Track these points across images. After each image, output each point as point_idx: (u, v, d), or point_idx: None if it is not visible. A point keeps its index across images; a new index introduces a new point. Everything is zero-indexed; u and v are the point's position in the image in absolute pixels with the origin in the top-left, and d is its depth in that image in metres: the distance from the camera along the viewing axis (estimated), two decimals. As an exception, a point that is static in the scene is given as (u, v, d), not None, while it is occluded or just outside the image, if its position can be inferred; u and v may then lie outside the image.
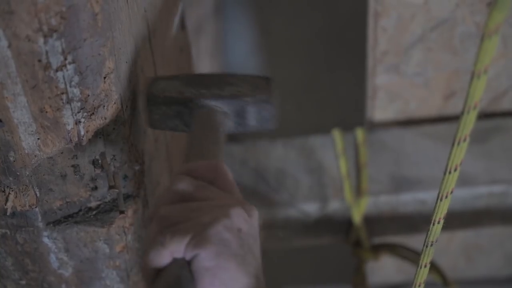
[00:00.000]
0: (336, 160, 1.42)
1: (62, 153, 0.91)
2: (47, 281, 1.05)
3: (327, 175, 1.42)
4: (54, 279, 1.05)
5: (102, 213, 1.00)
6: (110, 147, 0.95)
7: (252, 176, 1.42)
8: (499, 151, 1.42)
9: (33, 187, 0.93)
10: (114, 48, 0.88)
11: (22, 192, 0.93)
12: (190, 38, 1.33)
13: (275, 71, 2.61)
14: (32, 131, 0.87)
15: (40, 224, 0.97)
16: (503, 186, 1.39)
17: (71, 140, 0.90)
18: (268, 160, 1.44)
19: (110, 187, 0.96)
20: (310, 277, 2.20)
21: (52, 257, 1.01)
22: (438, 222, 0.86)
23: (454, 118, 1.48)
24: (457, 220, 1.42)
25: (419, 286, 0.94)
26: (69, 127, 0.89)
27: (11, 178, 0.91)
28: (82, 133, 0.90)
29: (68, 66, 0.82)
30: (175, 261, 0.79)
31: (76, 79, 0.84)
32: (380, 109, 1.46)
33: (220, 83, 0.97)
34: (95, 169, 0.95)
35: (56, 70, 0.82)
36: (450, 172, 0.80)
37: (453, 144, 0.77)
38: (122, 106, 0.93)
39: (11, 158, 0.89)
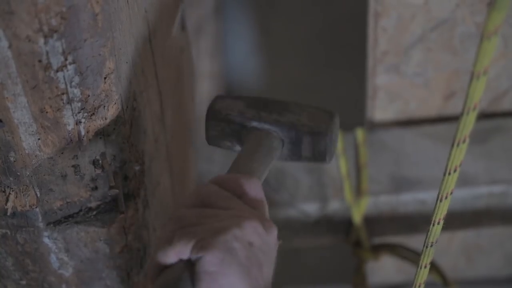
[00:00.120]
0: (336, 160, 1.42)
1: (62, 153, 0.91)
2: (47, 281, 1.05)
3: (327, 175, 1.42)
4: (54, 279, 1.05)
5: (103, 213, 1.00)
6: (111, 147, 0.95)
7: (252, 176, 1.41)
8: (499, 152, 1.42)
9: (33, 187, 0.93)
10: (114, 48, 0.88)
11: (22, 192, 0.93)
12: (190, 38, 1.33)
13: (275, 71, 2.61)
14: (32, 131, 0.87)
15: (41, 224, 0.97)
16: (503, 186, 1.39)
17: (71, 140, 0.90)
18: (268, 160, 1.44)
19: (111, 187, 0.96)
20: (310, 277, 2.20)
21: (53, 257, 1.01)
22: (438, 223, 0.86)
23: (454, 118, 1.48)
24: (457, 220, 1.42)
25: (419, 286, 0.94)
26: (69, 128, 0.89)
27: (11, 178, 0.91)
28: (83, 133, 0.90)
29: (69, 67, 0.82)
30: (180, 262, 0.80)
31: (76, 79, 0.84)
32: (380, 109, 1.46)
33: (281, 109, 0.99)
34: (96, 169, 0.95)
35: (57, 71, 0.82)
36: (449, 173, 0.80)
37: (452, 145, 0.77)
38: (122, 107, 0.93)
39: (12, 158, 0.89)
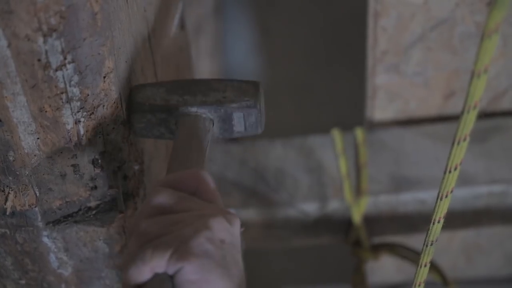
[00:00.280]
0: (335, 159, 1.42)
1: (61, 152, 0.91)
2: (46, 280, 1.05)
3: (327, 175, 1.42)
4: (53, 279, 1.05)
5: (102, 213, 1.00)
6: (110, 146, 0.95)
7: (252, 176, 1.42)
8: (499, 151, 1.42)
9: (32, 187, 0.93)
10: (113, 47, 0.88)
11: (21, 191, 0.93)
12: (189, 37, 1.33)
13: (275, 71, 2.61)
14: (31, 130, 0.87)
15: (40, 224, 0.97)
16: (503, 186, 1.39)
17: (70, 139, 0.90)
18: (268, 160, 1.44)
19: (110, 187, 0.96)
20: (310, 277, 2.21)
21: (52, 257, 1.01)
22: (438, 222, 0.86)
23: (454, 118, 1.48)
24: (457, 219, 1.42)
25: (419, 285, 0.94)
26: (68, 127, 0.88)
27: (10, 178, 0.91)
28: (82, 132, 0.90)
29: (68, 66, 0.82)
30: (156, 276, 0.77)
31: (75, 78, 0.84)
32: (380, 108, 1.46)
33: (205, 89, 0.96)
34: (95, 168, 0.95)
35: (56, 70, 0.82)
36: (450, 172, 0.80)
37: (453, 144, 0.77)
38: (121, 106, 0.93)
39: (11, 158, 0.89)
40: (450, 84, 1.42)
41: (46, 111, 0.85)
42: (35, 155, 0.90)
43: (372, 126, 1.48)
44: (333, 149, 1.43)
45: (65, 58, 0.82)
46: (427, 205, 1.40)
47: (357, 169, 1.40)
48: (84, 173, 0.95)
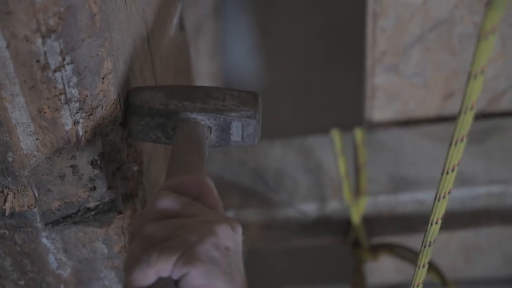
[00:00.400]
0: (335, 160, 1.42)
1: (60, 153, 0.91)
2: (45, 281, 1.05)
3: (326, 175, 1.42)
4: (52, 280, 1.05)
5: (101, 214, 1.00)
6: (109, 147, 0.95)
7: (251, 176, 1.42)
8: (498, 151, 1.42)
9: (31, 188, 0.93)
10: (112, 48, 0.88)
11: (20, 192, 0.93)
12: (189, 38, 1.33)
13: (275, 71, 2.61)
14: (30, 131, 0.87)
15: (39, 225, 0.97)
16: (501, 186, 1.39)
17: (69, 140, 0.90)
18: (267, 160, 1.44)
19: (109, 188, 0.96)
20: (309, 277, 2.21)
21: (51, 258, 1.02)
22: (436, 222, 0.86)
23: (453, 118, 1.48)
24: (456, 220, 1.42)
25: (418, 286, 0.94)
26: (67, 128, 0.89)
27: (9, 179, 0.91)
28: (81, 133, 0.90)
29: (66, 67, 0.82)
30: (160, 280, 0.76)
31: (74, 79, 0.84)
32: (379, 109, 1.46)
33: (204, 96, 0.96)
34: (94, 169, 0.95)
35: (54, 71, 0.82)
36: (447, 173, 0.80)
37: (450, 144, 0.77)
38: (120, 107, 0.93)
39: (10, 159, 0.89)
40: (449, 84, 1.42)
41: (45, 112, 0.85)
42: (34, 156, 0.90)
43: (371, 127, 1.48)
44: (332, 150, 1.44)
45: (63, 59, 0.82)
46: (426, 205, 1.40)
47: (356, 169, 1.40)
48: (83, 174, 0.95)
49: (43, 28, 0.78)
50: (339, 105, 2.42)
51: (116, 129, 0.94)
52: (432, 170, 1.39)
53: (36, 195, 0.94)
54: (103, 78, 0.88)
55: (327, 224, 1.42)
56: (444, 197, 0.82)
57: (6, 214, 0.93)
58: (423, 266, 0.91)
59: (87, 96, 0.87)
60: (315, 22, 2.61)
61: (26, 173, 0.91)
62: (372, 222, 1.42)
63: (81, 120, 0.89)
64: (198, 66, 2.03)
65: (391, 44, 1.35)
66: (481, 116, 1.46)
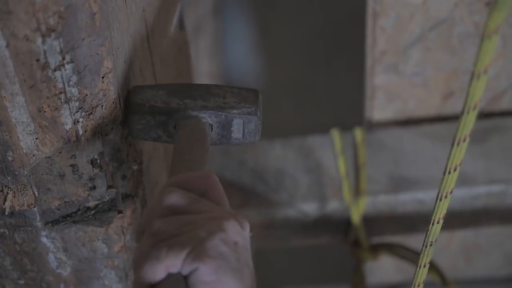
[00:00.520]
0: (335, 160, 1.42)
1: (60, 152, 0.91)
2: (45, 280, 1.05)
3: (326, 175, 1.42)
4: (52, 279, 1.05)
5: (101, 213, 0.99)
6: (109, 146, 0.95)
7: (251, 176, 1.42)
8: (498, 151, 1.42)
9: (31, 187, 0.93)
10: (112, 47, 0.88)
11: (20, 191, 0.93)
12: (188, 38, 1.33)
13: (274, 71, 2.61)
14: (30, 130, 0.87)
15: (39, 224, 0.97)
16: (501, 186, 1.39)
17: (69, 139, 0.90)
18: (267, 160, 1.44)
19: (109, 187, 0.96)
20: (309, 277, 2.21)
21: (51, 257, 1.01)
22: (438, 222, 0.86)
23: (453, 118, 1.48)
24: (456, 220, 1.42)
25: (418, 286, 0.94)
26: (67, 127, 0.88)
27: (9, 178, 0.91)
28: (80, 132, 0.90)
29: (66, 66, 0.82)
30: (169, 276, 0.77)
31: (74, 78, 0.84)
32: (379, 109, 1.46)
33: (206, 94, 0.96)
34: (94, 168, 0.95)
35: (54, 70, 0.82)
36: (449, 172, 0.80)
37: (452, 144, 0.77)
38: (120, 106, 0.93)
39: (10, 158, 0.89)
40: (449, 84, 1.42)
41: (44, 111, 0.85)
42: (33, 155, 0.90)
43: (371, 126, 1.48)
44: (332, 149, 1.43)
45: (63, 58, 0.82)
46: (426, 205, 1.40)
47: (356, 169, 1.40)
48: (83, 173, 0.95)
49: (43, 27, 0.78)
50: (339, 105, 2.42)
51: (116, 129, 0.94)
52: (432, 169, 1.39)
53: (36, 194, 0.94)
54: (103, 77, 0.88)
55: (327, 224, 1.42)
56: (446, 196, 0.82)
57: (6, 213, 0.93)
58: (424, 266, 0.91)
59: (87, 95, 0.87)
60: (315, 22, 2.61)
61: (26, 172, 0.91)
62: (372, 221, 1.42)
63: (81, 119, 0.89)
64: (198, 66, 2.03)
65: (391, 44, 1.35)
66: (481, 115, 1.46)
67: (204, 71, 2.19)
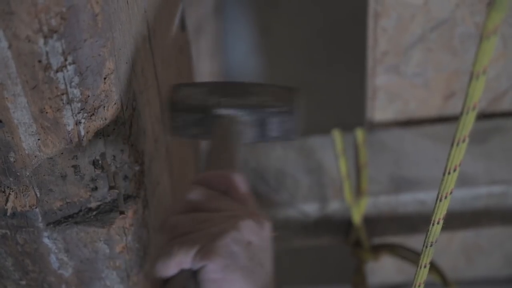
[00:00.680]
0: (336, 160, 1.42)
1: (62, 153, 0.91)
2: (47, 281, 1.05)
3: (327, 176, 1.42)
4: (54, 280, 1.05)
5: (102, 214, 1.00)
6: (110, 147, 0.95)
7: (252, 176, 1.42)
8: (499, 152, 1.42)
9: (33, 188, 0.93)
10: (114, 48, 0.88)
11: (22, 192, 0.93)
12: (190, 38, 1.34)
13: (275, 71, 2.61)
14: (32, 131, 0.87)
15: (40, 225, 0.97)
16: (502, 187, 1.39)
17: (71, 140, 0.90)
18: (268, 161, 1.44)
19: (110, 188, 0.96)
20: (310, 277, 2.21)
21: (52, 258, 1.02)
22: (438, 223, 0.86)
23: (454, 119, 1.48)
24: (457, 220, 1.42)
25: (419, 286, 0.94)
26: (69, 128, 0.89)
27: (11, 179, 0.91)
28: (82, 133, 0.90)
29: (68, 67, 0.82)
30: (182, 272, 0.79)
31: (76, 79, 0.84)
32: (380, 109, 1.46)
33: (243, 92, 0.97)
34: (95, 169, 0.95)
35: (56, 71, 0.82)
36: (449, 173, 0.80)
37: (452, 145, 0.77)
38: (122, 107, 0.93)
39: (12, 159, 0.89)
40: (450, 85, 1.42)
41: (46, 112, 0.85)
42: (35, 156, 0.90)
43: (372, 127, 1.48)
44: (333, 150, 1.44)
45: (65, 59, 0.82)
46: (427, 205, 1.40)
47: (357, 169, 1.40)
48: (85, 174, 0.95)
49: (45, 28, 0.78)
50: (340, 106, 2.42)
51: (118, 129, 0.94)
52: (433, 170, 1.39)
53: (38, 195, 0.94)
54: (105, 78, 0.88)
55: (328, 224, 1.42)
56: (446, 197, 0.82)
57: (8, 214, 0.93)
58: (425, 266, 0.91)
59: (89, 96, 0.87)
60: (316, 22, 2.61)
61: (28, 173, 0.91)
62: (373, 222, 1.42)
63: (83, 120, 0.89)
64: (199, 66, 2.03)
65: (392, 44, 1.35)
66: (482, 116, 1.46)
67: (205, 71, 2.19)
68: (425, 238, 0.88)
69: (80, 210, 0.99)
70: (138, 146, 0.99)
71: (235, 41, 2.63)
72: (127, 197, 1.01)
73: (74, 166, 0.94)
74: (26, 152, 0.89)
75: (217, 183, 0.86)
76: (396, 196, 1.39)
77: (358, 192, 1.38)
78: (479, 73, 0.71)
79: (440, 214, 0.85)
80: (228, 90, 0.97)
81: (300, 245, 1.46)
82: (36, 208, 0.95)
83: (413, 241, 1.43)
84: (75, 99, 0.86)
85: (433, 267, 1.37)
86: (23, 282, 1.05)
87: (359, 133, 1.44)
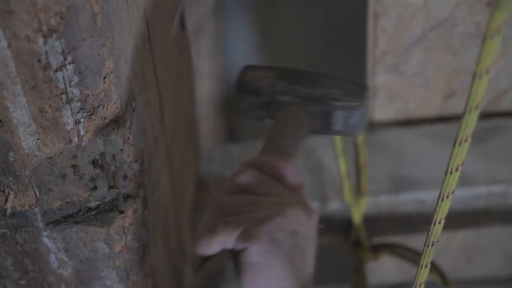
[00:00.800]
0: (335, 160, 1.42)
1: (61, 153, 0.91)
2: (46, 281, 1.05)
3: (327, 175, 1.42)
4: (53, 279, 1.05)
5: (102, 213, 1.00)
6: (110, 147, 0.95)
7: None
8: (499, 151, 1.42)
9: (32, 187, 0.93)
10: (113, 48, 0.88)
11: (21, 192, 0.93)
12: (190, 38, 1.33)
13: (275, 71, 2.61)
14: (31, 131, 0.87)
15: (40, 224, 0.97)
16: (502, 186, 1.39)
17: (70, 140, 0.90)
18: (268, 160, 1.44)
19: (110, 187, 0.96)
20: (309, 277, 2.20)
21: (52, 257, 1.01)
22: (439, 222, 0.86)
23: (454, 118, 1.48)
24: (457, 220, 1.42)
25: (420, 286, 0.94)
26: (68, 127, 0.88)
27: (10, 178, 0.91)
28: (82, 133, 0.90)
29: (68, 66, 0.82)
30: (224, 251, 0.79)
31: (75, 79, 0.84)
32: (380, 109, 1.46)
33: (313, 82, 0.96)
34: (95, 169, 0.95)
35: (56, 70, 0.82)
36: (451, 172, 0.80)
37: (454, 144, 0.77)
38: (121, 106, 0.93)
39: (11, 158, 0.89)
40: (450, 84, 1.42)
41: (46, 112, 0.85)
42: (35, 156, 0.90)
43: (372, 127, 1.48)
44: (333, 149, 1.43)
45: (65, 59, 0.82)
46: (427, 205, 1.40)
47: (357, 169, 1.40)
48: (84, 173, 0.95)
49: (45, 28, 0.78)
50: (340, 105, 2.42)
51: (118, 129, 0.94)
52: (433, 170, 1.39)
53: (37, 195, 0.94)
54: (104, 78, 0.88)
55: (328, 224, 1.42)
56: (447, 197, 0.82)
57: (7, 213, 0.93)
58: (426, 266, 0.91)
59: (88, 95, 0.87)
60: (316, 22, 2.60)
61: (27, 173, 0.91)
62: (373, 222, 1.42)
63: (82, 120, 0.89)
64: (199, 66, 2.03)
65: (392, 44, 1.35)
66: (482, 116, 1.45)
67: (205, 71, 2.19)
68: (426, 238, 0.88)
69: (80, 210, 0.99)
70: (137, 146, 0.99)
71: (235, 41, 2.63)
72: (126, 197, 1.01)
73: (74, 166, 0.94)
74: (26, 152, 0.89)
75: (271, 168, 0.85)
76: (396, 196, 1.39)
77: (358, 191, 1.38)
78: (482, 73, 0.71)
79: (442, 213, 0.85)
80: (298, 77, 0.97)
81: (300, 245, 1.45)
82: (35, 207, 0.95)
83: (413, 241, 1.43)
84: (74, 98, 0.86)
85: (433, 266, 1.37)
86: (23, 282, 1.05)
87: (359, 133, 1.44)
